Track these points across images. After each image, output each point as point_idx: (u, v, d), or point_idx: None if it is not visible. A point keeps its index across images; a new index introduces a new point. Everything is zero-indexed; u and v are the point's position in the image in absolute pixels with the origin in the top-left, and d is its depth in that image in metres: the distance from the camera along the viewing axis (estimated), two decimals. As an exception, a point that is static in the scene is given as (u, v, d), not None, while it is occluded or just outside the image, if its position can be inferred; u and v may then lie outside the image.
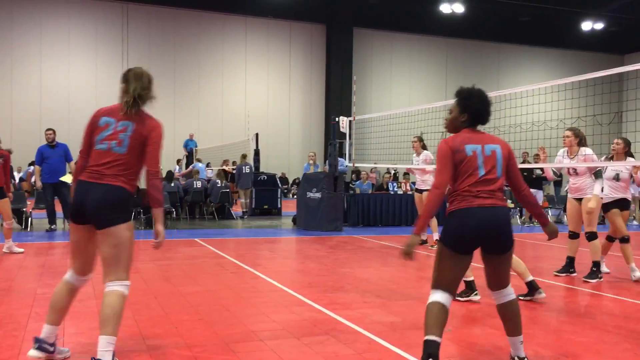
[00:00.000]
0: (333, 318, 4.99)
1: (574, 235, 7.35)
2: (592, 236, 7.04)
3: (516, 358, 3.72)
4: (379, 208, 14.09)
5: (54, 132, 11.72)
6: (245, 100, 30.70)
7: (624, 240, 7.18)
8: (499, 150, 3.64)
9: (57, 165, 11.56)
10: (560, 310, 5.57)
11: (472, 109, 3.77)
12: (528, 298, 5.75)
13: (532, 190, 15.20)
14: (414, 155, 10.52)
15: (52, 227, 11.63)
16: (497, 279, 3.72)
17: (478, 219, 3.44)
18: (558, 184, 22.33)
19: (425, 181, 10.09)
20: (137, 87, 3.81)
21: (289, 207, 18.18)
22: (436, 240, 10.08)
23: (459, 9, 28.81)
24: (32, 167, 17.80)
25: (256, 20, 30.96)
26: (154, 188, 3.77)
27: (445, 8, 28.99)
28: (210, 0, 29.38)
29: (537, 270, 7.92)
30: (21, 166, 24.35)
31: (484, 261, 3.71)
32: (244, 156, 17.11)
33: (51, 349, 3.70)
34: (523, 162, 15.67)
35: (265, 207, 17.12)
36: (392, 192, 14.91)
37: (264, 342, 4.27)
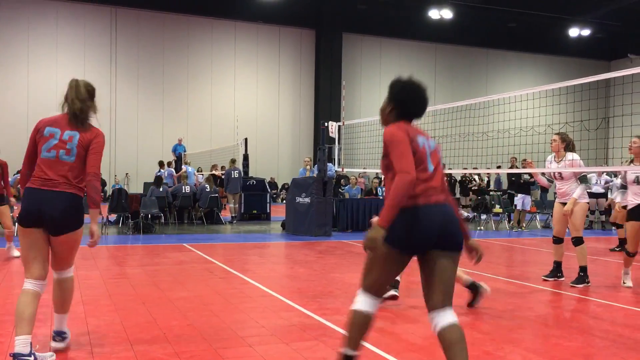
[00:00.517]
0: (322, 323, 4.98)
1: (557, 240, 7.32)
2: (578, 241, 7.01)
3: None
4: (368, 213, 14.09)
5: None
6: (234, 105, 30.67)
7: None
8: (439, 148, 3.36)
9: None
10: (547, 315, 5.60)
11: (397, 99, 3.33)
12: (475, 303, 5.68)
13: (520, 195, 15.30)
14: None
15: None
16: (442, 291, 3.24)
17: (432, 217, 3.07)
18: (545, 189, 22.48)
19: None
20: (75, 100, 4.07)
21: (278, 212, 18.15)
22: None
23: (448, 14, 29.02)
24: (19, 175, 17.66)
25: (245, 25, 30.96)
26: (93, 189, 3.94)
27: (433, 14, 29.19)
28: (200, 5, 29.35)
29: (525, 275, 7.96)
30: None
31: (428, 267, 3.21)
32: (232, 161, 17.08)
33: (30, 358, 3.62)
34: (511, 167, 15.76)
35: (254, 212, 17.09)
36: (381, 197, 14.93)
37: (252, 347, 4.26)
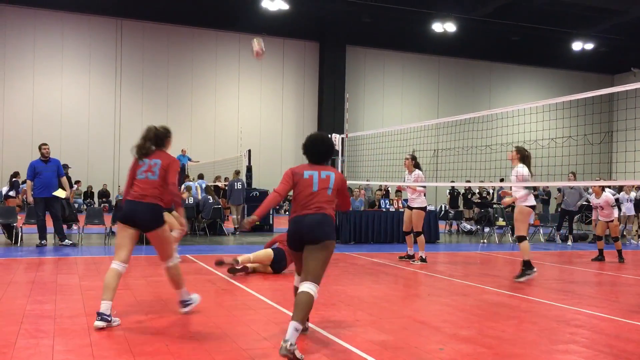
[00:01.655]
0: (325, 336, 4.97)
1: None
2: (520, 239, 8.32)
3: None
4: (370, 225, 14.09)
5: (48, 147, 11.80)
6: (238, 117, 30.78)
7: None
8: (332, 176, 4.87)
9: (50, 179, 11.54)
10: (552, 329, 5.57)
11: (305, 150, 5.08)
12: None
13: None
14: (406, 173, 10.60)
15: (43, 242, 11.54)
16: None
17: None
18: (547, 202, 22.48)
19: (415, 199, 10.25)
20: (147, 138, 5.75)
21: (281, 223, 18.14)
22: (420, 256, 10.15)
23: (451, 28, 29.15)
24: (24, 185, 17.69)
25: (250, 37, 30.94)
26: (175, 195, 5.52)
27: (437, 27, 29.33)
28: (204, 17, 29.55)
29: (528, 289, 7.93)
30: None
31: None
32: (236, 172, 17.10)
33: (109, 319, 5.10)
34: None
35: (257, 223, 17.04)
36: (384, 209, 14.92)
37: (255, 360, 4.24)
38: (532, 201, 8.27)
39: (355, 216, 14.16)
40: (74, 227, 12.28)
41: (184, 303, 5.76)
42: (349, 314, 5.88)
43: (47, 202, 11.49)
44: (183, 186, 17.41)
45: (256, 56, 9.76)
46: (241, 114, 30.97)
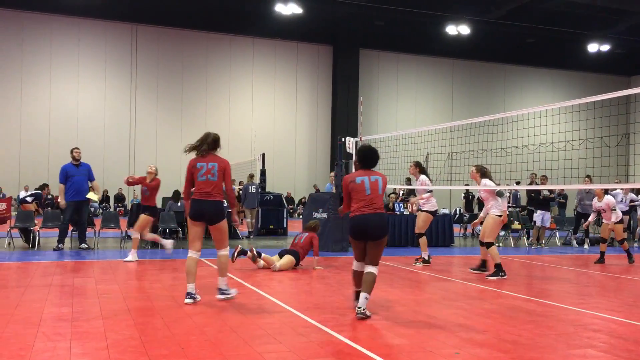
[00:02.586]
0: (340, 340, 4.96)
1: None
2: (488, 245, 9.04)
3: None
4: (385, 229, 14.02)
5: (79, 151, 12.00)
6: (251, 121, 30.89)
7: None
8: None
9: (81, 183, 11.73)
10: (569, 333, 5.51)
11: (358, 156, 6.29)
12: None
13: (539, 211, 15.19)
14: (414, 178, 10.94)
15: (60, 246, 11.66)
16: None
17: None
18: (563, 205, 22.28)
19: (425, 203, 10.48)
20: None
21: (295, 227, 18.16)
22: (421, 258, 10.42)
23: (465, 30, 29.04)
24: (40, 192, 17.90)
25: (263, 41, 31.27)
26: (231, 192, 6.68)
27: (451, 29, 29.22)
28: (218, 22, 29.73)
29: (545, 293, 7.86)
30: (29, 185, 24.49)
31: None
32: (251, 176, 17.14)
33: (197, 297, 6.41)
34: (530, 184, 15.62)
35: (271, 226, 17.12)
36: (397, 213, 14.87)
37: (270, 364, 4.24)
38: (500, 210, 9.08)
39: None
40: (89, 230, 12.40)
41: (222, 291, 6.58)
42: (364, 318, 5.86)
43: (78, 205, 11.65)
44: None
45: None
46: (255, 118, 31.07)
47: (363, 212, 5.86)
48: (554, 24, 30.02)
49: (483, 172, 9.36)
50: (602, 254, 11.55)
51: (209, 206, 6.36)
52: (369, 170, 6.07)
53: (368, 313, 5.71)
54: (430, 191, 10.66)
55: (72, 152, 12.00)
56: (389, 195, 17.85)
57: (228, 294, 6.60)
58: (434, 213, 10.66)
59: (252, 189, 16.43)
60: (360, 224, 5.85)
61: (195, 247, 6.50)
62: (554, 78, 36.24)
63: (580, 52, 33.35)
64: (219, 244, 6.55)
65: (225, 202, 6.90)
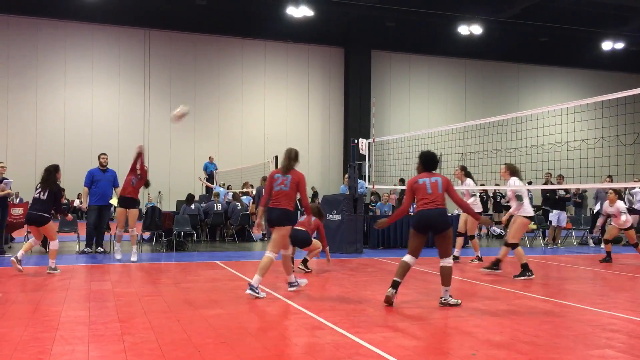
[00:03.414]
0: (355, 341, 4.95)
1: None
2: (513, 246, 9.06)
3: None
4: (399, 230, 13.99)
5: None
6: (264, 123, 30.97)
7: None
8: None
9: (106, 189, 11.91)
10: (587, 334, 5.45)
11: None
12: None
13: (555, 211, 15.10)
14: (459, 182, 11.23)
15: (87, 249, 11.81)
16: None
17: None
18: (579, 205, 22.07)
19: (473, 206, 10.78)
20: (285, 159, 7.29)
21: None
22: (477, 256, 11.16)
23: (477, 30, 28.88)
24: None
25: (275, 44, 31.35)
26: (305, 205, 7.49)
27: (463, 29, 29.08)
28: (230, 25, 29.86)
29: (562, 293, 7.79)
30: (45, 190, 24.72)
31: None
32: (264, 179, 17.15)
33: (257, 291, 6.92)
34: (546, 183, 15.49)
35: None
36: (412, 214, 14.82)
37: (286, 366, 4.25)
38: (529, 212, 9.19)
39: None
40: (105, 234, 12.51)
41: (291, 284, 7.52)
42: (379, 320, 5.85)
43: (101, 210, 11.81)
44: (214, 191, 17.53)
45: (176, 119, 10.82)
46: (267, 120, 31.15)
47: (425, 207, 6.55)
48: (567, 22, 29.78)
49: (513, 172, 9.50)
50: (609, 253, 11.55)
51: (277, 212, 7.06)
52: (430, 173, 6.75)
53: (452, 301, 6.50)
54: (474, 195, 11.01)
55: (99, 157, 12.19)
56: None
57: (296, 285, 7.50)
58: (531, 218, 10.47)
59: (266, 192, 16.45)
60: (423, 218, 6.57)
61: (272, 249, 7.22)
62: (567, 77, 35.95)
63: (594, 50, 33.05)
64: (272, 246, 7.16)
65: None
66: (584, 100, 8.71)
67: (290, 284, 7.53)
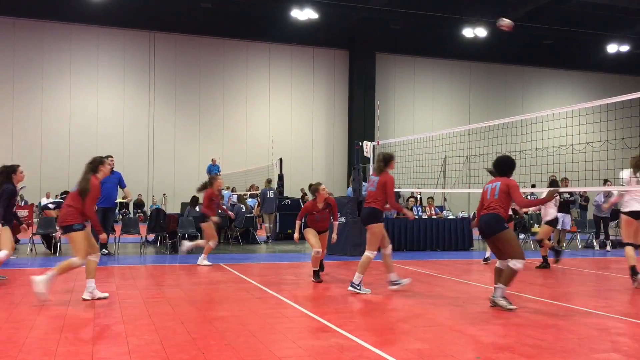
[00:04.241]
0: (360, 344, 4.95)
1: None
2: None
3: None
4: (403, 233, 13.99)
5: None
6: (269, 126, 31.01)
7: None
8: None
9: (111, 191, 11.92)
10: (592, 338, 5.43)
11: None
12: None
13: (559, 214, 15.13)
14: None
15: (103, 251, 11.84)
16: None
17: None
18: (584, 208, 22.00)
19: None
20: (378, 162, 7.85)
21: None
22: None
23: (482, 33, 28.86)
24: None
25: (279, 47, 31.40)
26: (392, 204, 7.64)
27: (467, 32, 29.06)
28: (235, 28, 29.92)
29: (567, 296, 7.76)
30: (50, 192, 24.82)
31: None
32: (268, 181, 17.20)
33: (359, 287, 7.47)
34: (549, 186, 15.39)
35: (289, 231, 17.12)
36: (416, 217, 14.80)
37: (290, 368, 4.25)
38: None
39: (388, 224, 14.06)
40: (110, 236, 12.54)
41: (394, 282, 7.80)
42: (383, 322, 5.85)
43: (105, 212, 11.84)
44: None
45: (506, 27, 10.95)
46: (272, 123, 31.19)
47: (480, 213, 6.75)
48: (572, 25, 29.72)
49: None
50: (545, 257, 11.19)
51: (364, 212, 7.68)
52: (497, 177, 6.80)
53: (500, 302, 6.40)
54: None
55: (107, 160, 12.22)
56: (407, 200, 17.79)
57: (398, 284, 7.78)
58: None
59: (270, 194, 16.48)
60: (479, 224, 6.74)
61: (369, 248, 7.64)
62: (572, 79, 35.88)
63: (599, 53, 32.98)
64: (368, 245, 7.58)
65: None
66: (589, 103, 8.68)
67: (392, 282, 7.78)
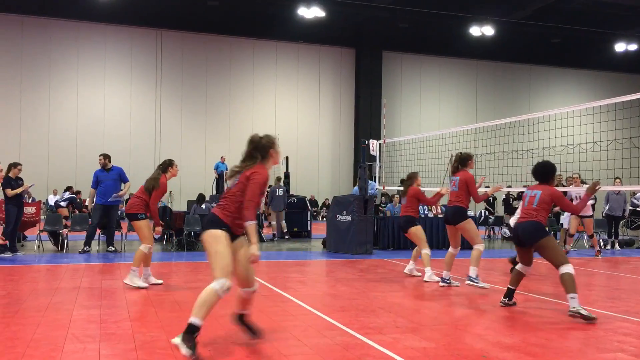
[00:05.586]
0: (365, 342, 4.95)
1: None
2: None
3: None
4: (409, 231, 13.94)
5: (105, 157, 12.15)
6: (275, 124, 31.02)
7: None
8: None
9: (110, 187, 11.93)
10: (599, 337, 5.41)
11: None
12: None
13: (566, 213, 15.09)
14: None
15: (86, 248, 11.84)
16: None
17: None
18: (592, 207, 21.87)
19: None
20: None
21: (319, 229, 18.18)
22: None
23: (489, 31, 28.77)
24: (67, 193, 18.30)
25: (286, 45, 31.40)
26: (476, 195, 7.89)
27: (474, 30, 28.98)
28: (241, 26, 29.94)
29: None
30: (57, 189, 24.92)
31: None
32: (278, 179, 17.14)
33: (476, 280, 7.76)
34: (556, 185, 15.35)
35: (295, 229, 17.15)
36: (422, 215, 14.78)
37: (296, 366, 4.25)
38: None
39: (394, 222, 14.07)
40: (117, 234, 12.58)
41: (471, 279, 7.80)
42: (389, 321, 5.85)
43: (106, 209, 11.88)
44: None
45: None
46: (278, 121, 31.20)
47: (519, 220, 6.57)
48: (579, 23, 29.59)
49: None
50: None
51: (449, 210, 7.94)
52: (538, 185, 6.65)
53: (583, 312, 5.90)
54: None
55: (98, 158, 12.24)
56: (392, 197, 17.77)
57: (447, 282, 8.00)
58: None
59: (280, 192, 16.43)
60: (514, 230, 6.62)
61: (452, 244, 8.07)
62: (580, 78, 35.72)
63: (607, 52, 32.81)
64: (472, 240, 7.82)
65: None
66: (596, 102, 8.65)
67: (443, 280, 8.06)
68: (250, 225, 4.41)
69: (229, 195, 4.60)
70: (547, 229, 6.55)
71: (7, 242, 11.03)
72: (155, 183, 7.78)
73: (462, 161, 7.99)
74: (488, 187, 16.09)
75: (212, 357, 4.44)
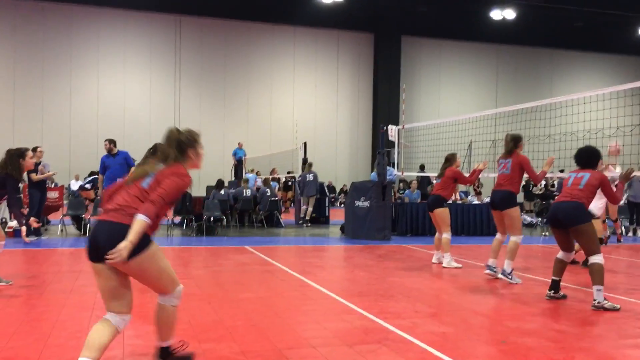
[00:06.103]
0: (384, 327, 4.98)
1: None
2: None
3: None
4: (427, 217, 13.91)
5: (110, 142, 12.10)
6: (293, 110, 31.00)
7: None
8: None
9: (116, 172, 11.99)
10: (620, 323, 5.37)
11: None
12: None
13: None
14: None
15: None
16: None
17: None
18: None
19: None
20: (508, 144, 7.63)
21: (337, 215, 18.20)
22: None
23: (510, 14, 28.36)
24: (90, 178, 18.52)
25: (304, 30, 31.26)
26: (535, 179, 7.57)
27: (495, 14, 28.58)
28: (260, 11, 29.86)
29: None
30: (79, 174, 25.24)
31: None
32: (309, 165, 17.07)
33: (510, 276, 7.31)
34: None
35: (314, 215, 17.18)
36: (460, 202, 14.69)
37: (316, 349, 4.30)
38: None
39: (412, 208, 14.05)
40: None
41: (505, 274, 7.36)
42: (408, 306, 5.86)
43: None
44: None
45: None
46: (296, 107, 31.17)
47: (558, 200, 6.28)
48: (602, 6, 29.00)
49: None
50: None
51: (497, 194, 7.43)
52: (582, 169, 6.35)
53: (607, 305, 5.72)
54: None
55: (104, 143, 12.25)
56: (410, 183, 17.65)
57: (494, 271, 7.58)
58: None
59: (310, 177, 16.37)
60: (552, 211, 6.25)
61: (500, 230, 7.65)
62: (603, 62, 35.08)
63: (630, 36, 32.17)
64: (511, 230, 7.41)
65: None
66: (620, 86, 8.51)
67: (489, 267, 7.65)
68: (140, 220, 3.52)
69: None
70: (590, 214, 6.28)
71: (40, 224, 11.23)
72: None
73: (515, 142, 7.49)
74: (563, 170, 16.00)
75: (234, 339, 4.50)
